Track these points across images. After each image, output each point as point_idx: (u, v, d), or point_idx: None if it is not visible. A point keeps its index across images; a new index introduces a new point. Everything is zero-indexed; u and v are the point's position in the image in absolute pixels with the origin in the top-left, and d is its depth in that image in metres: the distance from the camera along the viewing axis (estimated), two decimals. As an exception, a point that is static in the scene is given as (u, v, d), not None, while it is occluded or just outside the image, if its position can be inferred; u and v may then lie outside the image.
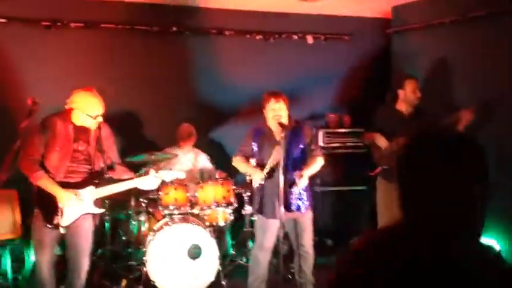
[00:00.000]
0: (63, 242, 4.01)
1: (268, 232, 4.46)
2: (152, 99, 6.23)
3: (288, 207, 4.32)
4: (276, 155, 4.23)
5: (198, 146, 5.94)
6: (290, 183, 4.31)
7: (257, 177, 4.37)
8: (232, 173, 5.51)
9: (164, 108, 6.27)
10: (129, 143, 5.74)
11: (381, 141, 5.00)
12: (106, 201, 5.02)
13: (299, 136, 4.47)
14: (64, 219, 3.85)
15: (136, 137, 6.16)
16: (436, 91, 5.73)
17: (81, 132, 3.95)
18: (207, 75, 6.35)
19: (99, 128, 4.01)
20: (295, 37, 6.63)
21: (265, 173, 4.32)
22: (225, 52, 6.42)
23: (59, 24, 5.67)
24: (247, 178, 5.51)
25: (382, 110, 5.43)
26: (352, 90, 6.80)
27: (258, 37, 6.48)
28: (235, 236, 5.77)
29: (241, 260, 5.47)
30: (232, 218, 5.35)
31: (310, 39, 6.64)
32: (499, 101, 4.89)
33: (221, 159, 6.03)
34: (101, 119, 3.95)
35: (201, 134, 5.99)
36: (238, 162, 4.58)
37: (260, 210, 4.48)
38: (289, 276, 5.06)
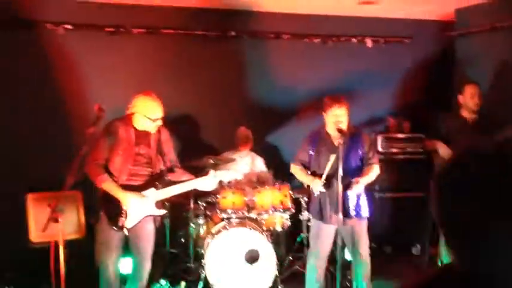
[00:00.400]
0: (126, 244, 4.12)
1: (324, 239, 4.44)
2: (210, 103, 6.31)
3: (345, 213, 4.28)
4: (333, 162, 4.20)
5: (254, 149, 5.97)
6: (345, 186, 4.26)
7: (316, 186, 4.35)
8: (289, 178, 5.51)
9: (222, 112, 6.33)
10: (187, 147, 5.84)
11: (443, 150, 4.88)
12: (166, 204, 5.11)
13: (357, 143, 4.42)
14: (128, 221, 3.96)
15: (195, 141, 6.25)
16: (503, 97, 5.53)
17: (142, 136, 4.06)
18: (264, 79, 6.38)
19: (158, 131, 4.12)
20: (354, 40, 6.56)
21: (323, 181, 4.29)
22: (283, 56, 6.42)
23: (122, 30, 5.82)
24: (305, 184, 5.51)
25: (445, 116, 5.30)
26: (412, 95, 6.68)
27: (316, 40, 6.44)
28: (292, 241, 5.75)
29: (298, 266, 5.44)
30: (289, 223, 5.34)
31: (369, 42, 6.55)
32: None
33: (277, 163, 6.05)
34: (160, 122, 4.05)
35: (257, 138, 6.03)
36: (296, 171, 4.58)
37: (317, 216, 4.45)
38: (347, 284, 5.00)
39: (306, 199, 5.50)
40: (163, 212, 4.19)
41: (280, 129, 6.50)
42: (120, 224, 3.94)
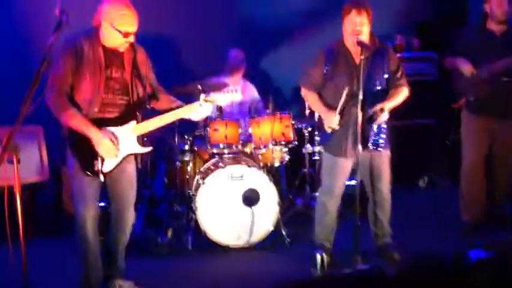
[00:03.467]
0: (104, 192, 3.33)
1: (338, 174, 3.73)
2: (193, 21, 5.47)
3: (364, 143, 3.57)
4: (354, 86, 3.44)
5: (246, 75, 5.19)
6: (368, 118, 3.53)
7: (330, 122, 3.56)
8: (286, 107, 4.78)
9: (207, 31, 5.52)
10: (167, 74, 4.96)
11: (466, 68, 4.16)
12: (145, 139, 4.30)
13: (383, 61, 3.64)
14: (105, 164, 3.16)
15: (176, 67, 5.40)
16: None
17: (113, 55, 3.17)
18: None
19: (133, 49, 3.23)
20: None
21: (338, 115, 3.53)
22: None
23: None
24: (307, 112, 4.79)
25: (467, 30, 4.56)
26: (421, 10, 5.86)
27: None
28: (292, 178, 5.06)
29: (300, 206, 4.79)
30: (288, 157, 4.65)
31: None
32: None
33: (271, 91, 5.30)
34: (132, 38, 3.15)
35: (248, 62, 5.22)
36: (309, 97, 3.79)
37: (330, 148, 3.73)
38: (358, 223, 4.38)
39: (309, 129, 4.77)
40: (148, 148, 3.37)
41: (273, 52, 5.69)
42: (95, 168, 3.13)
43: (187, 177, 4.60)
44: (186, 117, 3.42)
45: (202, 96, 3.37)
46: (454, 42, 4.47)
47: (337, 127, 3.56)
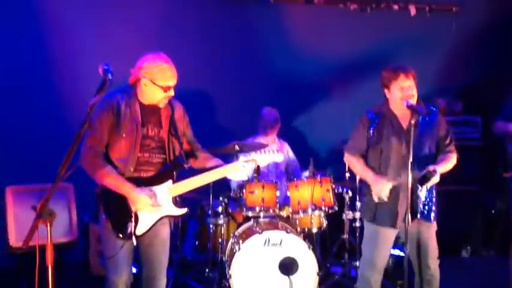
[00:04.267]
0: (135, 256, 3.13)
1: (382, 246, 3.47)
2: (226, 78, 5.37)
3: (413, 213, 3.32)
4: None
5: (280, 134, 5.03)
6: (420, 178, 3.29)
7: (382, 191, 3.33)
8: (320, 169, 4.59)
9: (240, 89, 5.40)
10: (200, 132, 4.86)
11: None
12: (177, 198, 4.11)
13: (432, 125, 3.45)
14: (139, 226, 2.97)
15: (209, 124, 5.27)
16: None
17: (151, 113, 3.04)
18: (290, 50, 5.42)
19: (170, 106, 3.10)
20: (396, 7, 5.68)
21: (391, 185, 3.31)
22: (314, 23, 5.46)
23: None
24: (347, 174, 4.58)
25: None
26: (462, 71, 5.72)
27: (352, 7, 5.54)
28: (329, 245, 4.79)
29: (337, 276, 4.50)
30: (326, 223, 4.41)
31: (413, 10, 5.66)
32: None
33: (305, 151, 5.13)
34: (172, 92, 3.02)
35: (282, 120, 5.05)
36: (354, 164, 3.56)
37: (374, 218, 3.48)
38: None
39: (350, 194, 4.54)
40: (184, 210, 3.16)
41: (308, 111, 5.55)
42: (128, 230, 2.95)
43: (220, 240, 4.38)
44: (226, 176, 3.25)
45: (242, 156, 3.21)
46: (504, 105, 4.27)
47: (385, 198, 3.33)
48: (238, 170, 3.18)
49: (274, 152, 3.27)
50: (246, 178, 3.42)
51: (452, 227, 5.29)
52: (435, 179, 3.28)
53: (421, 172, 3.29)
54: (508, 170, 4.13)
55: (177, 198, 3.20)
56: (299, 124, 5.61)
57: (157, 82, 2.93)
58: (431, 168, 3.26)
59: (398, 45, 5.51)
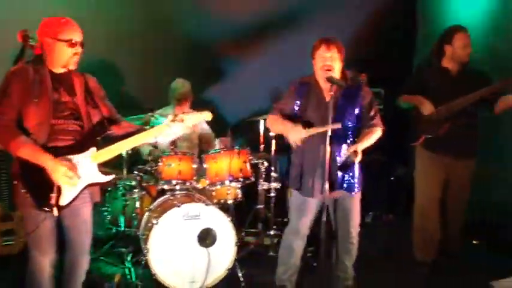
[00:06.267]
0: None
1: (306, 214, 3.58)
2: (130, 47, 5.11)
3: (333, 184, 3.44)
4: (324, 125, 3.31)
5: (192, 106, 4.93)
6: (342, 164, 3.42)
7: (296, 135, 3.35)
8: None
9: (145, 58, 5.17)
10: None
11: (426, 106, 4.17)
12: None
13: (355, 98, 3.53)
14: (63, 197, 2.80)
15: (117, 97, 5.00)
16: (480, 47, 4.95)
17: (62, 80, 2.90)
18: (202, 17, 5.27)
19: (82, 75, 2.99)
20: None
21: (307, 130, 3.34)
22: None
23: None
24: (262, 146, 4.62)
25: (425, 68, 4.61)
26: (366, 44, 5.86)
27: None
28: (244, 215, 4.82)
29: (253, 245, 4.57)
30: (241, 194, 4.43)
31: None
32: None
33: (218, 123, 5.07)
34: (79, 49, 2.88)
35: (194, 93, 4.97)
36: (273, 120, 3.59)
37: (298, 186, 3.56)
38: (314, 264, 4.24)
39: (265, 165, 4.59)
40: (111, 176, 3.02)
41: (222, 84, 5.49)
42: (51, 201, 2.76)
43: (134, 215, 4.26)
44: (153, 140, 3.15)
45: (169, 117, 3.11)
46: (409, 79, 4.49)
47: (299, 142, 3.36)
48: (164, 132, 3.07)
49: (204, 113, 3.19)
50: (174, 137, 3.30)
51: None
52: (357, 160, 3.40)
53: (341, 146, 3.40)
54: (411, 139, 4.38)
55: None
56: (212, 95, 5.51)
57: (60, 36, 2.82)
58: (351, 150, 3.35)
59: (303, 17, 5.55)
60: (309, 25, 5.49)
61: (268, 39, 5.51)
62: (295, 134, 3.36)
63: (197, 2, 5.35)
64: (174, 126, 3.06)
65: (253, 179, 4.28)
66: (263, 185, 4.61)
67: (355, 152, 3.33)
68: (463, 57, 4.15)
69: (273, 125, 3.63)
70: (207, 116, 3.21)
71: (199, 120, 3.21)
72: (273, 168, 4.64)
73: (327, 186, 3.28)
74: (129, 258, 4.15)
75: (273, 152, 4.58)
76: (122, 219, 4.40)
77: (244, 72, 5.51)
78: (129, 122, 3.24)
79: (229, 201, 4.33)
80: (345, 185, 3.52)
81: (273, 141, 4.56)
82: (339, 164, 3.44)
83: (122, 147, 3.01)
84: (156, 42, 5.26)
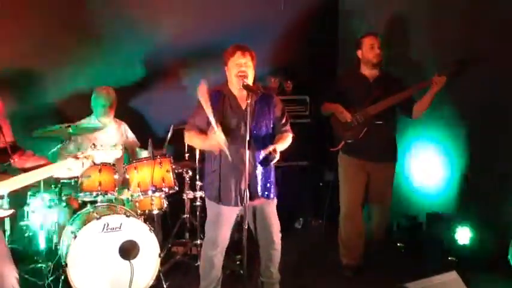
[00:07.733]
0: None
1: (224, 225, 3.55)
2: (49, 56, 4.89)
3: (253, 192, 3.45)
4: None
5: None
6: (262, 160, 3.41)
7: (217, 138, 3.27)
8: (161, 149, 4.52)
9: (66, 67, 4.99)
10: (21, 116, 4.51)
11: (343, 114, 4.28)
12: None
13: (268, 106, 3.57)
14: None
15: (38, 107, 4.88)
16: (398, 52, 5.12)
17: None
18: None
19: None
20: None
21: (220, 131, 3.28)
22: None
23: None
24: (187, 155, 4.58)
25: (344, 75, 4.73)
26: (292, 52, 5.92)
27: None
28: (170, 225, 4.75)
29: (179, 256, 4.51)
30: (166, 203, 4.39)
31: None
32: (474, 61, 4.20)
33: (143, 132, 5.00)
34: None
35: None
36: (191, 137, 3.53)
37: (219, 197, 3.52)
38: (241, 271, 4.22)
39: (190, 173, 4.55)
40: (10, 211, 2.91)
41: (146, 90, 5.40)
42: None
43: (54, 229, 4.12)
44: (55, 175, 3.10)
45: (78, 153, 3.09)
46: (330, 87, 4.57)
47: (224, 145, 3.31)
48: (65, 168, 3.03)
49: (116, 147, 3.31)
50: (76, 175, 3.27)
51: (286, 200, 5.60)
52: (276, 159, 3.42)
53: (260, 152, 3.41)
54: (333, 145, 4.46)
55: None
56: (137, 104, 5.42)
57: None
58: (271, 148, 3.38)
59: (233, 28, 5.55)
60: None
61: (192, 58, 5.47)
62: (216, 137, 3.28)
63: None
64: (76, 163, 3.02)
65: (177, 188, 4.24)
66: (188, 194, 4.56)
67: (274, 150, 3.36)
68: (371, 58, 4.28)
69: (192, 141, 3.58)
70: (118, 153, 3.32)
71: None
72: (198, 177, 4.60)
73: (247, 193, 3.29)
74: (49, 275, 4.00)
75: (197, 161, 4.54)
76: (42, 234, 4.23)
77: (169, 83, 5.46)
78: (34, 155, 3.12)
79: (155, 212, 4.26)
80: (266, 192, 3.54)
81: (197, 150, 4.51)
82: (258, 163, 3.45)
83: (26, 180, 2.91)
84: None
